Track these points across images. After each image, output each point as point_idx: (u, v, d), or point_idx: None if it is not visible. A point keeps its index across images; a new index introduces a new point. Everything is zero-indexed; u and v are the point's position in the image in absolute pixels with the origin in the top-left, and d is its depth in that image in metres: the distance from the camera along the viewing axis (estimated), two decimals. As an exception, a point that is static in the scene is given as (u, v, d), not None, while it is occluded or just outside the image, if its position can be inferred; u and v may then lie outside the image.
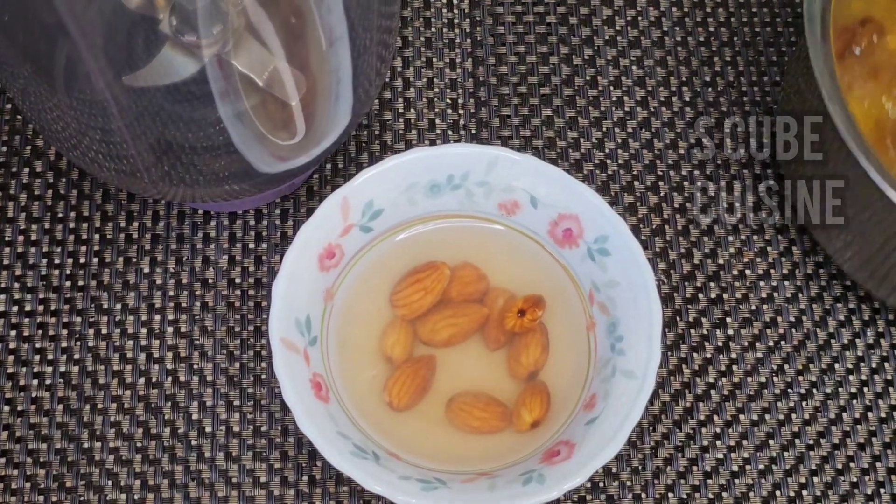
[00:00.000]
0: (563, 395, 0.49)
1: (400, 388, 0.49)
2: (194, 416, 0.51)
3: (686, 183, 0.57)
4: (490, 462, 0.48)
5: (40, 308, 0.53)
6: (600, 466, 0.44)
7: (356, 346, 0.50)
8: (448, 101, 0.58)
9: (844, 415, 0.53)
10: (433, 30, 0.60)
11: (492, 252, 0.52)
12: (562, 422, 0.48)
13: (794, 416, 0.53)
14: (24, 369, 0.52)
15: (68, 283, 0.54)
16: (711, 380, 0.53)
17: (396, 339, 0.50)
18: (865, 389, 0.53)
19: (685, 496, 0.51)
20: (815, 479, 0.52)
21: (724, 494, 0.51)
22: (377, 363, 0.50)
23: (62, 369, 0.52)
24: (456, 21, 0.60)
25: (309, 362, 0.48)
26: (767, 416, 0.53)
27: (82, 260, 0.54)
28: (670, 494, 0.51)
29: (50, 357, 0.52)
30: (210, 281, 0.54)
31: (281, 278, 0.47)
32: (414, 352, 0.50)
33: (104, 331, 0.53)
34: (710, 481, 0.51)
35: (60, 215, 0.55)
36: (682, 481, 0.51)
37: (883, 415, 0.53)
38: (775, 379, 0.53)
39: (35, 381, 0.52)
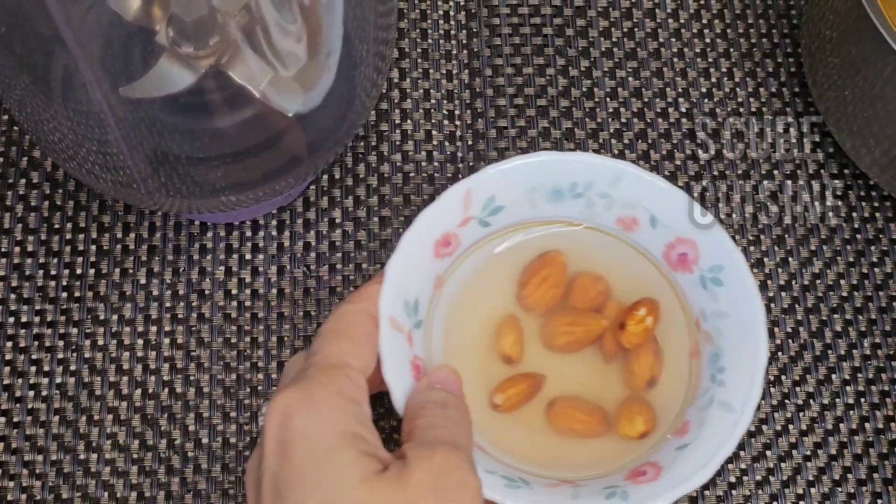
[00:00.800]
0: (658, 416, 0.49)
1: (514, 395, 0.49)
2: (190, 428, 0.51)
3: (683, 194, 0.57)
4: (578, 469, 0.48)
5: (36, 319, 0.53)
6: (685, 493, 0.44)
7: (463, 339, 0.50)
8: (445, 112, 0.58)
9: (841, 425, 0.53)
10: (430, 41, 0.60)
11: (606, 264, 0.52)
12: (652, 443, 0.48)
13: (791, 426, 0.53)
14: (20, 380, 0.52)
15: (65, 295, 0.54)
16: (708, 391, 0.53)
17: (515, 339, 0.50)
18: (862, 400, 0.53)
19: (682, 507, 0.51)
20: (813, 491, 0.52)
21: (722, 506, 0.51)
22: (482, 358, 0.50)
23: (58, 380, 0.52)
24: (453, 32, 0.60)
25: (412, 344, 0.48)
26: (765, 427, 0.53)
27: (79, 271, 0.54)
28: (667, 506, 0.51)
29: (46, 368, 0.52)
30: (206, 292, 0.54)
31: (396, 258, 0.47)
32: (525, 351, 0.50)
33: (100, 342, 0.53)
34: (707, 492, 0.51)
35: (57, 226, 0.55)
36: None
37: (880, 426, 0.53)
38: (773, 390, 0.53)
39: (31, 393, 0.52)
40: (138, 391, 0.52)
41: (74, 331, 0.53)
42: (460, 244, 0.50)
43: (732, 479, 0.51)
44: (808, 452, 0.52)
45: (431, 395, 0.45)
